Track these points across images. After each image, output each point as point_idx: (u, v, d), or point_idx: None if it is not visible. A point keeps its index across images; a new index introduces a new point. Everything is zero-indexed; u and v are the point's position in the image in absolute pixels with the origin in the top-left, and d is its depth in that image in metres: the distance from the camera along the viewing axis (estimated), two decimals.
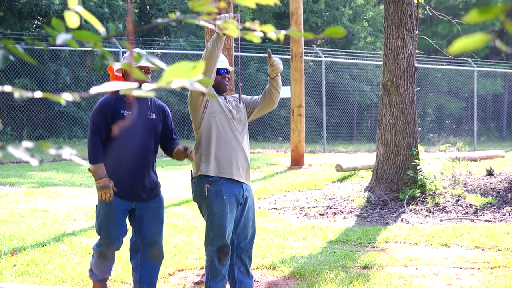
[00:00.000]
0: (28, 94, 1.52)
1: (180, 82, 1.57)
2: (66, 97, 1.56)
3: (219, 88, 6.09)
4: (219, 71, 6.04)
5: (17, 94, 1.53)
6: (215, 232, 5.99)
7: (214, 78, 6.00)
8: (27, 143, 1.48)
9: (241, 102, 6.19)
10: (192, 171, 6.08)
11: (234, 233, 6.16)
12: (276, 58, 6.06)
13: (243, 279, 6.29)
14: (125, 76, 5.88)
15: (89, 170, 5.71)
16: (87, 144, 5.81)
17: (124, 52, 21.85)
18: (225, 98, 6.10)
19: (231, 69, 6.21)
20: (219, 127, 5.96)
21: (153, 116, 5.97)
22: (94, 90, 1.59)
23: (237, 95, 6.28)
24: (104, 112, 5.79)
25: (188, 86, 1.60)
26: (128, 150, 5.80)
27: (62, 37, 1.67)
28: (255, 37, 2.03)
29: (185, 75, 1.56)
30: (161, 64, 1.73)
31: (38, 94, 1.58)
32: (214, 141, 5.95)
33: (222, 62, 6.07)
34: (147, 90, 1.59)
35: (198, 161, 6.00)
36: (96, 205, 5.97)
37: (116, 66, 5.84)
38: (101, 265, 6.07)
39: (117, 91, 5.85)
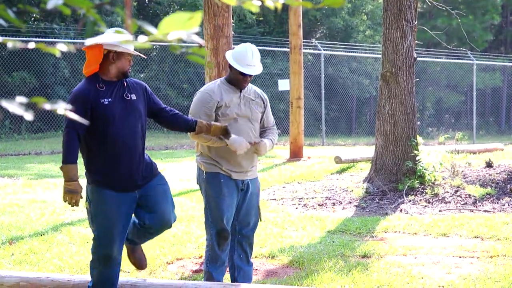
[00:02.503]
0: (21, 44, 1.50)
1: (176, 33, 1.54)
2: (61, 47, 1.53)
3: (237, 85, 6.08)
4: (244, 74, 5.98)
5: (10, 44, 1.50)
6: (213, 215, 6.00)
7: (237, 77, 6.01)
8: (21, 98, 1.46)
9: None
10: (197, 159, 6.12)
11: (236, 219, 6.16)
12: (260, 149, 6.06)
13: (243, 266, 6.28)
14: (108, 56, 5.32)
15: (61, 168, 5.25)
16: (62, 139, 5.29)
17: None
18: (240, 91, 6.10)
19: (259, 73, 6.10)
20: (222, 120, 6.01)
21: (133, 97, 5.45)
22: (89, 41, 1.56)
23: (253, 92, 6.24)
24: (82, 104, 5.24)
25: (185, 37, 1.57)
26: (114, 139, 5.32)
27: (53, 2, 1.64)
28: (253, 6, 1.99)
29: (182, 26, 1.53)
30: (151, 29, 1.70)
31: (31, 45, 1.55)
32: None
33: (250, 67, 5.97)
34: (142, 41, 1.56)
35: (203, 152, 6.04)
36: (87, 201, 5.41)
37: (89, 42, 5.10)
38: (110, 271, 5.46)
39: (89, 81, 5.35)
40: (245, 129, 6.04)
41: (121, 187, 5.36)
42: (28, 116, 1.44)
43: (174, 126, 5.80)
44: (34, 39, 21.87)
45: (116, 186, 5.34)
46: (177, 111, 5.76)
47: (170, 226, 5.65)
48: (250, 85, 6.22)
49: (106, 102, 5.31)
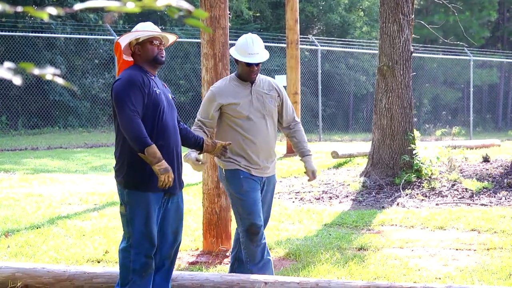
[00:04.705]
0: (10, 8, 1.47)
1: (165, 0, 1.51)
2: (50, 11, 1.50)
3: (246, 79, 5.98)
4: (249, 64, 5.90)
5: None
6: (240, 212, 5.89)
7: (243, 69, 5.93)
8: (9, 64, 1.43)
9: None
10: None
11: None
12: (316, 175, 6.22)
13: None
14: (135, 51, 5.13)
15: (145, 152, 4.83)
16: (125, 126, 4.86)
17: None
18: (252, 85, 6.00)
19: (264, 60, 6.00)
20: (236, 119, 5.94)
21: (170, 95, 5.30)
22: (78, 6, 1.53)
23: (267, 84, 6.11)
24: (140, 87, 4.95)
25: (174, 3, 1.54)
26: (164, 129, 5.07)
27: None
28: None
29: None
30: None
31: (19, 8, 1.53)
32: (228, 131, 5.96)
33: (253, 55, 5.90)
34: (131, 6, 1.53)
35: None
36: (122, 205, 5.09)
37: (124, 41, 5.09)
38: (145, 284, 5.11)
39: (137, 69, 5.09)
40: (260, 128, 5.94)
41: (158, 188, 5.01)
42: (17, 80, 1.42)
43: (185, 141, 5.49)
44: (30, 34, 21.83)
45: (157, 185, 4.98)
46: (186, 126, 5.56)
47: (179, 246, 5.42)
48: (264, 77, 6.10)
49: (158, 91, 5.09)
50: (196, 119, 6.05)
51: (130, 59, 5.18)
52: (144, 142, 4.83)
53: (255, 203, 5.87)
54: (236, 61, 5.98)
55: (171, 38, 5.30)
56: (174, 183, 5.09)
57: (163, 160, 4.87)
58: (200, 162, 5.83)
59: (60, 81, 1.56)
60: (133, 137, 4.85)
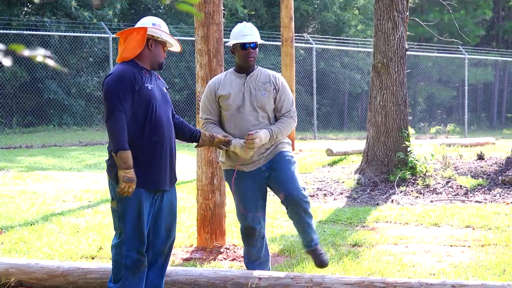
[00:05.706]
0: None
1: None
2: None
3: (244, 64, 5.87)
4: (245, 46, 5.82)
5: None
6: (237, 211, 5.92)
7: (239, 55, 5.85)
8: None
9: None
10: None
11: (281, 190, 5.82)
12: (249, 143, 5.68)
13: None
14: (147, 44, 5.08)
15: (117, 156, 4.78)
16: (109, 124, 4.83)
17: (113, 38, 21.70)
18: (246, 76, 5.91)
19: (260, 42, 5.93)
20: (226, 112, 5.88)
21: (164, 89, 5.21)
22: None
23: (264, 76, 5.93)
24: (130, 85, 4.89)
25: None
26: (157, 124, 5.02)
27: None
28: None
29: None
30: None
31: None
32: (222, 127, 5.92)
33: (246, 36, 5.84)
34: None
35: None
36: (114, 200, 5.05)
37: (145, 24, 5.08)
38: (137, 280, 5.08)
39: (130, 64, 5.01)
40: (249, 119, 5.81)
41: (155, 182, 5.01)
42: (7, 62, 1.40)
43: (180, 135, 5.43)
44: (25, 32, 21.77)
45: (150, 181, 4.99)
46: (183, 119, 5.50)
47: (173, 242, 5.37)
48: (264, 70, 5.98)
49: (150, 87, 5.01)
50: (200, 119, 5.99)
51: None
52: (120, 145, 4.79)
53: (251, 204, 5.83)
54: (233, 52, 5.94)
55: (176, 48, 5.29)
56: (165, 179, 5.09)
57: (132, 170, 4.79)
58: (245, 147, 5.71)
59: (51, 63, 1.55)
60: (113, 136, 4.82)
